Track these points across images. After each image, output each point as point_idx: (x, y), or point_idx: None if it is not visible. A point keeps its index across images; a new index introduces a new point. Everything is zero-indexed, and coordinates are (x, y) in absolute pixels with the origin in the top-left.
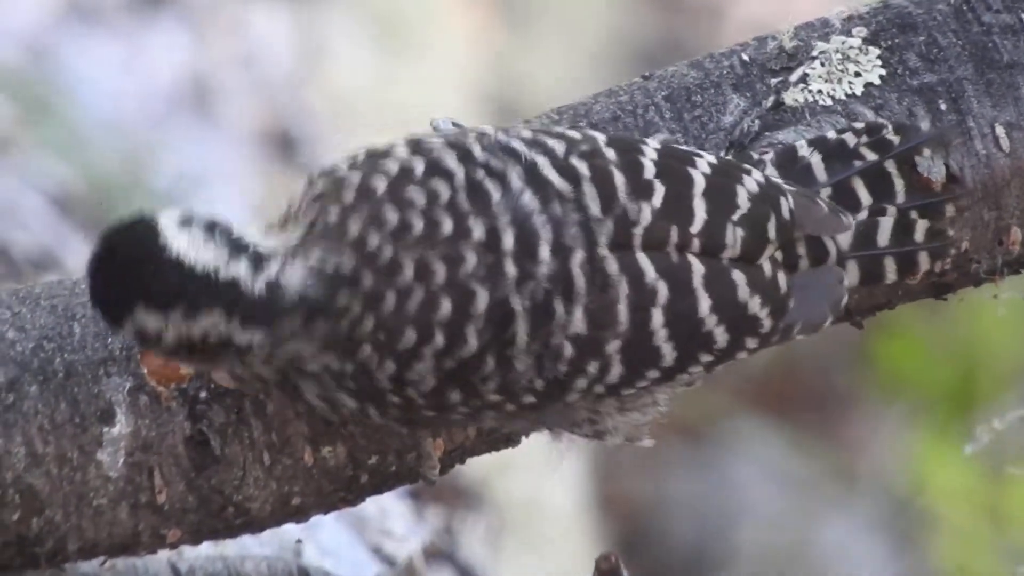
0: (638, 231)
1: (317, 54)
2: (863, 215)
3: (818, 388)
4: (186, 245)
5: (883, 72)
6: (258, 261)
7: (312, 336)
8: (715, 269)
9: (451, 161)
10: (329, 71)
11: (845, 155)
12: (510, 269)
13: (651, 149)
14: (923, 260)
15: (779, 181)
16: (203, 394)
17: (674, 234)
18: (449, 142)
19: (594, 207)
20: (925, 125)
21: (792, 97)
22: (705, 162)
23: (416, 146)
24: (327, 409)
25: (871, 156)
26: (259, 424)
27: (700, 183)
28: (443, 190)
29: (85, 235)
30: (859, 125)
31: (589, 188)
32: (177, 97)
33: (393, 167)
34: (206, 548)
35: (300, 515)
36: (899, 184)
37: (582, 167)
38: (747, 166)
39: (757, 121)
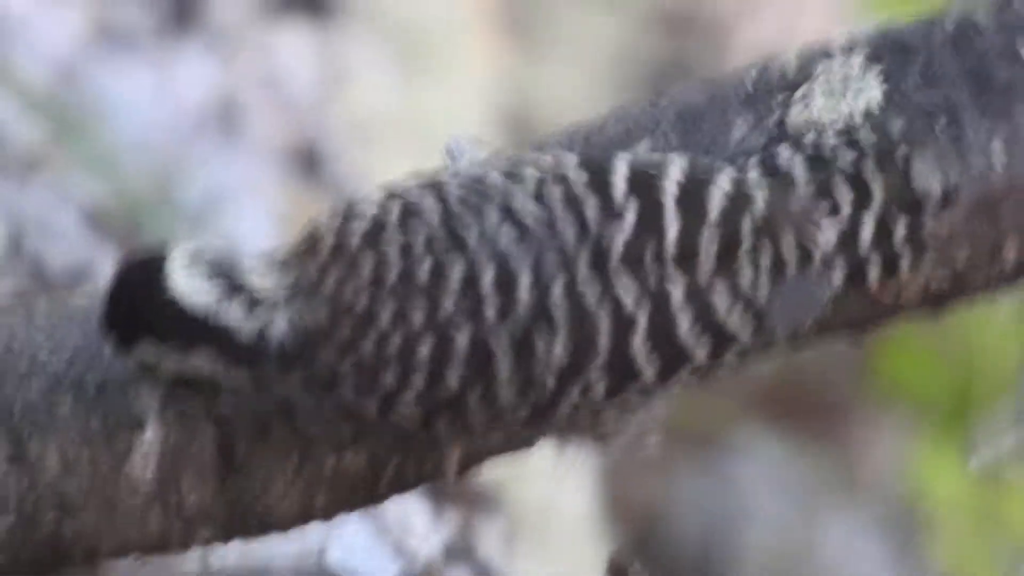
0: (614, 255)
1: (340, 75)
2: (844, 218)
3: (821, 397)
4: (186, 287)
5: (883, 92)
6: (252, 306)
7: (290, 381)
8: (693, 286)
9: (427, 202)
10: (352, 91)
11: (823, 159)
12: (489, 310)
13: (622, 166)
14: (905, 262)
15: (753, 181)
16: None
17: (649, 252)
18: (425, 183)
19: (569, 234)
20: (898, 127)
21: (795, 116)
22: (676, 170)
23: (390, 192)
24: (319, 430)
25: (849, 159)
26: (283, 430)
27: (672, 194)
28: (419, 234)
29: (116, 248)
30: (832, 129)
31: (563, 215)
32: (205, 117)
33: (364, 222)
34: (234, 549)
35: (323, 516)
36: (878, 186)
37: (554, 193)
38: (720, 164)
39: (763, 139)
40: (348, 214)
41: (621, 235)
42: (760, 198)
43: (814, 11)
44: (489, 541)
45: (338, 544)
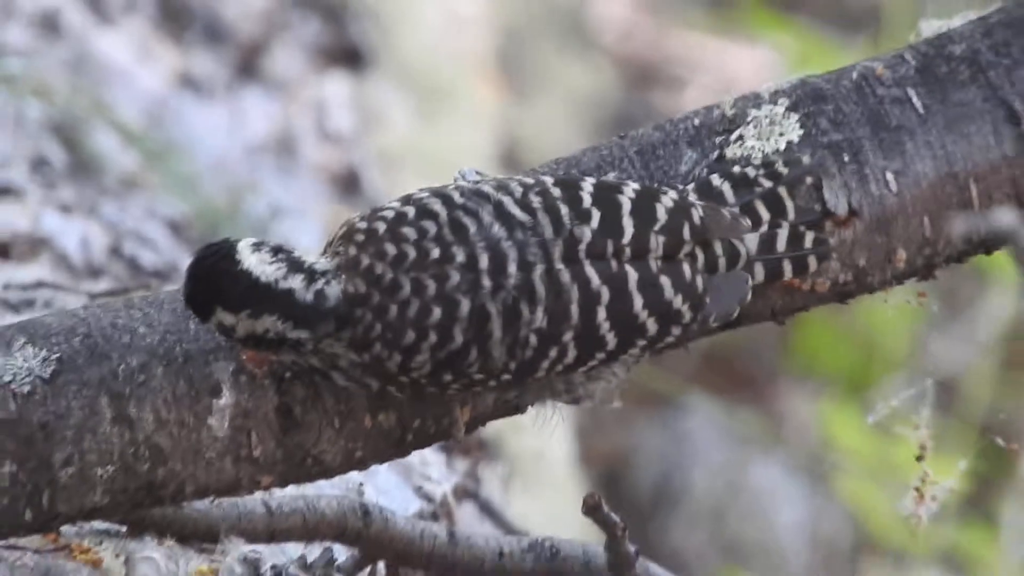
0: (582, 247)
1: (372, 116)
2: (764, 228)
3: (751, 369)
4: (255, 262)
5: (800, 132)
6: (311, 277)
7: (341, 339)
8: (646, 275)
9: (436, 205)
10: (381, 128)
11: (747, 183)
12: (486, 283)
13: (588, 185)
14: (812, 262)
15: (692, 198)
16: (287, 374)
17: (610, 246)
18: (434, 192)
19: (548, 232)
20: (806, 160)
21: (732, 151)
22: (631, 189)
23: (407, 198)
24: (356, 388)
25: (767, 184)
26: (330, 397)
27: (627, 205)
28: (431, 227)
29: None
30: (757, 162)
31: (543, 217)
32: (266, 148)
33: (390, 214)
34: (290, 490)
35: (361, 465)
36: (790, 204)
37: (536, 202)
38: (665, 188)
39: (705, 170)
40: (375, 213)
41: (588, 233)
42: (697, 210)
43: (748, 67)
44: (491, 484)
45: (372, 486)
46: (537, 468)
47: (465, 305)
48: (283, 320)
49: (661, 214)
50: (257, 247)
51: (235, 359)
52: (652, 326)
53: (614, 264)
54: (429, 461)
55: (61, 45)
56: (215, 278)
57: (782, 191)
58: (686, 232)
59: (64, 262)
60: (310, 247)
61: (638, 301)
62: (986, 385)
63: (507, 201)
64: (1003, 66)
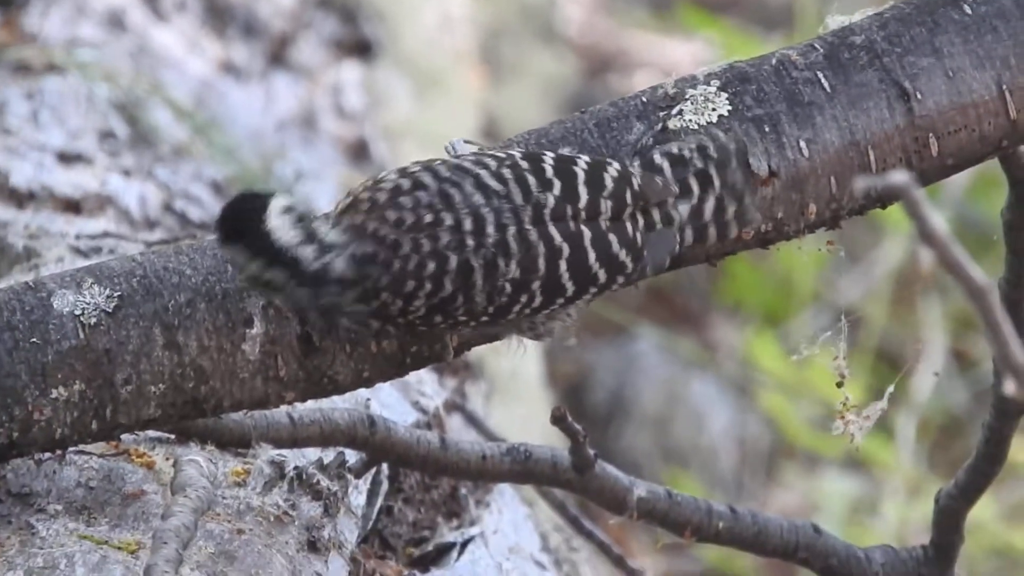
0: (547, 211)
1: (379, 97)
2: (695, 200)
3: (689, 303)
4: (279, 224)
5: (729, 108)
6: (320, 250)
7: (346, 296)
8: (597, 233)
9: (427, 178)
10: (387, 108)
11: (683, 163)
12: (470, 242)
13: (549, 158)
14: (732, 228)
15: (631, 169)
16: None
17: (569, 210)
18: (424, 166)
19: (518, 199)
20: (732, 144)
21: (673, 124)
22: (583, 162)
23: (402, 171)
24: (359, 328)
25: (700, 164)
26: (343, 328)
27: (582, 176)
28: (423, 197)
29: None
30: (693, 144)
31: (514, 187)
32: (292, 123)
33: (389, 185)
34: (310, 404)
35: (368, 383)
36: (717, 181)
37: (508, 174)
38: (611, 160)
39: (651, 139)
40: (376, 184)
41: (551, 199)
42: (636, 179)
43: (685, 57)
44: (475, 399)
45: (377, 401)
46: (513, 385)
47: (454, 260)
48: (287, 278)
49: (608, 182)
50: (286, 210)
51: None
52: (603, 275)
53: (572, 225)
54: (424, 380)
55: (125, 38)
56: (242, 224)
57: (711, 169)
58: (628, 197)
59: (125, 216)
60: (327, 206)
61: (591, 255)
62: (881, 318)
63: (484, 174)
64: (896, 53)
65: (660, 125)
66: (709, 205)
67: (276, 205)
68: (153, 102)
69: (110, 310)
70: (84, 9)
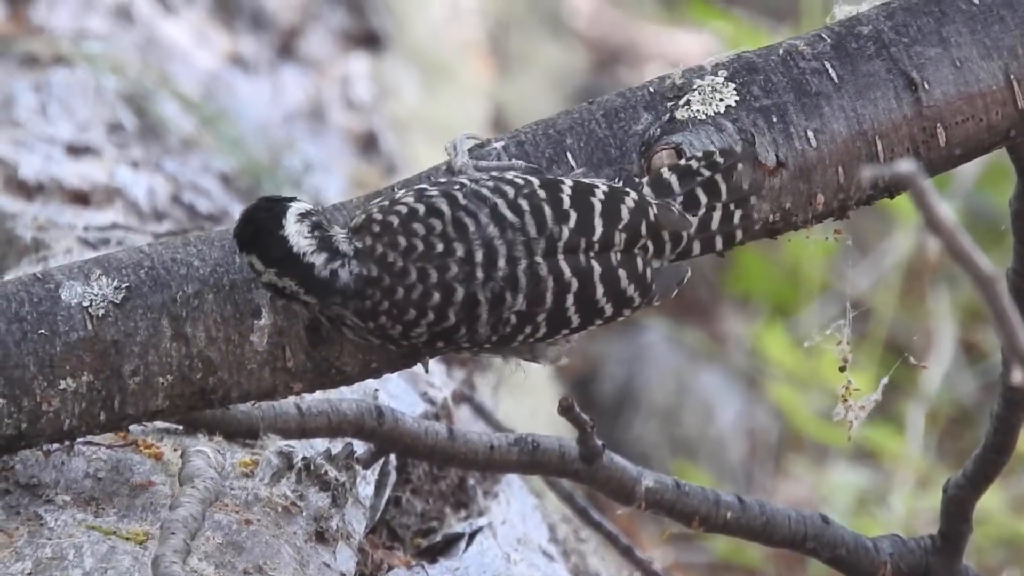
0: (560, 244)
1: (387, 89)
2: (703, 211)
3: (698, 294)
4: (295, 232)
5: (737, 98)
6: (332, 257)
7: (347, 308)
8: (607, 267)
9: (443, 205)
10: (395, 99)
11: (691, 174)
12: (479, 274)
13: (567, 187)
14: (739, 234)
15: (649, 198)
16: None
17: (583, 242)
18: (441, 191)
19: (532, 231)
20: (739, 149)
21: (680, 114)
22: (601, 192)
23: (419, 195)
24: (360, 341)
25: (706, 173)
26: (349, 334)
27: (598, 207)
28: (437, 225)
29: (242, 200)
30: (699, 154)
31: (529, 219)
32: (301, 114)
33: (403, 209)
34: (318, 394)
35: (376, 374)
36: (723, 187)
37: (524, 204)
38: (628, 189)
39: (658, 129)
40: (391, 206)
41: (566, 231)
42: (652, 209)
43: (693, 49)
44: (483, 390)
45: (385, 392)
46: (520, 376)
47: (460, 292)
48: (299, 285)
49: (624, 214)
50: (303, 217)
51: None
52: (609, 309)
53: (583, 258)
54: (432, 371)
55: (133, 31)
56: (260, 232)
57: (718, 177)
58: (643, 229)
59: (134, 208)
60: (335, 197)
61: (600, 290)
62: (889, 307)
63: (501, 204)
64: (903, 43)
65: (668, 115)
66: (716, 215)
67: (293, 211)
68: (161, 94)
69: (118, 301)
70: (92, 1)
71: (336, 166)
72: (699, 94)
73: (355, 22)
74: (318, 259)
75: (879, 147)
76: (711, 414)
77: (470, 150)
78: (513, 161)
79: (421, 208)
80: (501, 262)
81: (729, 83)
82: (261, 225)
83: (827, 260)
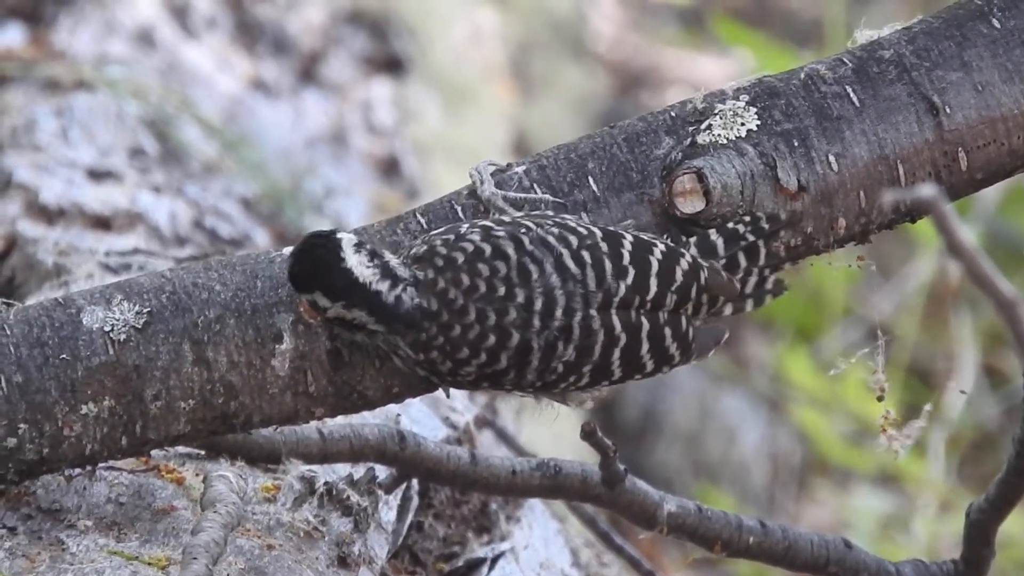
0: (616, 299)
1: (409, 113)
2: (740, 274)
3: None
4: (356, 262)
5: (758, 123)
6: (395, 283)
7: (405, 337)
8: (655, 325)
9: (510, 249)
10: (417, 123)
11: (736, 238)
12: (536, 322)
13: (628, 243)
14: (768, 299)
15: (699, 260)
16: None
17: (637, 300)
18: (508, 233)
19: (592, 284)
20: (783, 216)
21: (702, 138)
22: (659, 251)
23: (486, 234)
24: (407, 371)
25: (750, 238)
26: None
27: (655, 266)
28: (501, 268)
29: (264, 225)
30: (748, 218)
31: (590, 272)
32: (323, 139)
33: (469, 247)
34: (339, 419)
35: (398, 399)
36: (763, 252)
37: (587, 257)
38: (682, 250)
39: (680, 153)
40: (457, 241)
41: (623, 288)
42: (704, 273)
43: (715, 73)
44: (506, 415)
45: (407, 416)
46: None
47: (515, 338)
48: (369, 314)
49: (679, 276)
50: (358, 248)
51: (294, 312)
52: (650, 365)
53: (634, 314)
54: (454, 395)
55: (155, 55)
56: (322, 268)
57: (760, 243)
58: (693, 291)
59: (155, 233)
60: (357, 222)
61: (645, 346)
62: (912, 332)
63: (566, 254)
64: (924, 67)
65: (689, 140)
66: (752, 280)
67: (348, 242)
68: (183, 119)
69: (139, 326)
70: (113, 26)
71: (358, 190)
72: (720, 118)
73: (377, 46)
74: (383, 286)
75: (900, 171)
76: (734, 438)
77: (491, 175)
78: (542, 195)
79: (488, 249)
80: (558, 312)
81: (750, 107)
82: (320, 260)
83: (850, 284)
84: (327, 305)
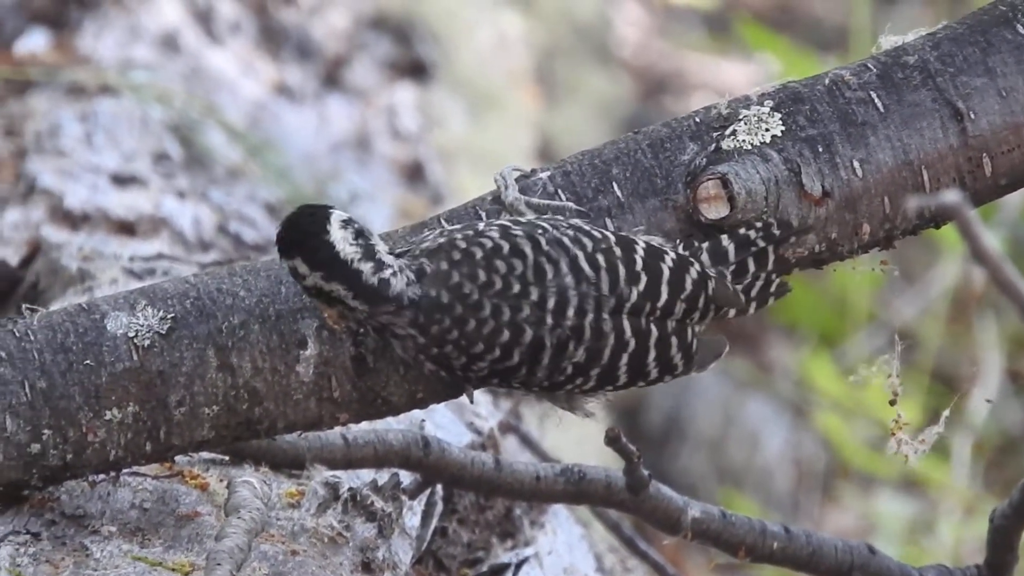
0: (628, 304)
1: (433, 119)
2: (748, 279)
3: (744, 324)
4: (340, 237)
5: (783, 128)
6: (378, 266)
7: (400, 318)
8: (663, 334)
9: (527, 248)
10: (441, 129)
11: (747, 244)
12: (549, 320)
13: (641, 249)
14: (771, 300)
15: (708, 269)
16: (362, 329)
17: (648, 307)
18: (526, 232)
19: (605, 288)
20: (795, 222)
21: (727, 144)
22: (670, 259)
23: (504, 232)
24: (411, 362)
25: (761, 244)
26: (397, 347)
27: (666, 274)
28: (518, 265)
29: None
30: (760, 224)
31: (604, 275)
32: (347, 144)
33: (488, 243)
34: (364, 425)
35: (422, 404)
36: (771, 259)
37: (601, 260)
38: (691, 259)
39: (704, 159)
40: (476, 236)
41: (635, 294)
42: (712, 283)
43: (740, 78)
44: (530, 420)
45: (431, 422)
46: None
47: (529, 334)
48: (347, 289)
49: (688, 285)
50: (345, 225)
51: (318, 317)
52: (654, 373)
53: (644, 321)
54: (478, 401)
55: (179, 60)
56: (305, 236)
57: (770, 249)
58: (700, 301)
59: (179, 238)
60: (381, 227)
61: (651, 354)
62: (936, 337)
63: (580, 256)
64: (948, 73)
65: (714, 145)
66: (758, 284)
67: (336, 217)
68: (207, 124)
69: (164, 332)
70: (138, 31)
71: (382, 196)
72: (745, 124)
73: (401, 52)
74: (364, 266)
75: (925, 177)
76: (758, 443)
77: (516, 180)
78: (565, 203)
79: (506, 246)
80: (570, 312)
81: (775, 113)
82: (305, 229)
83: (874, 290)
84: (306, 272)
